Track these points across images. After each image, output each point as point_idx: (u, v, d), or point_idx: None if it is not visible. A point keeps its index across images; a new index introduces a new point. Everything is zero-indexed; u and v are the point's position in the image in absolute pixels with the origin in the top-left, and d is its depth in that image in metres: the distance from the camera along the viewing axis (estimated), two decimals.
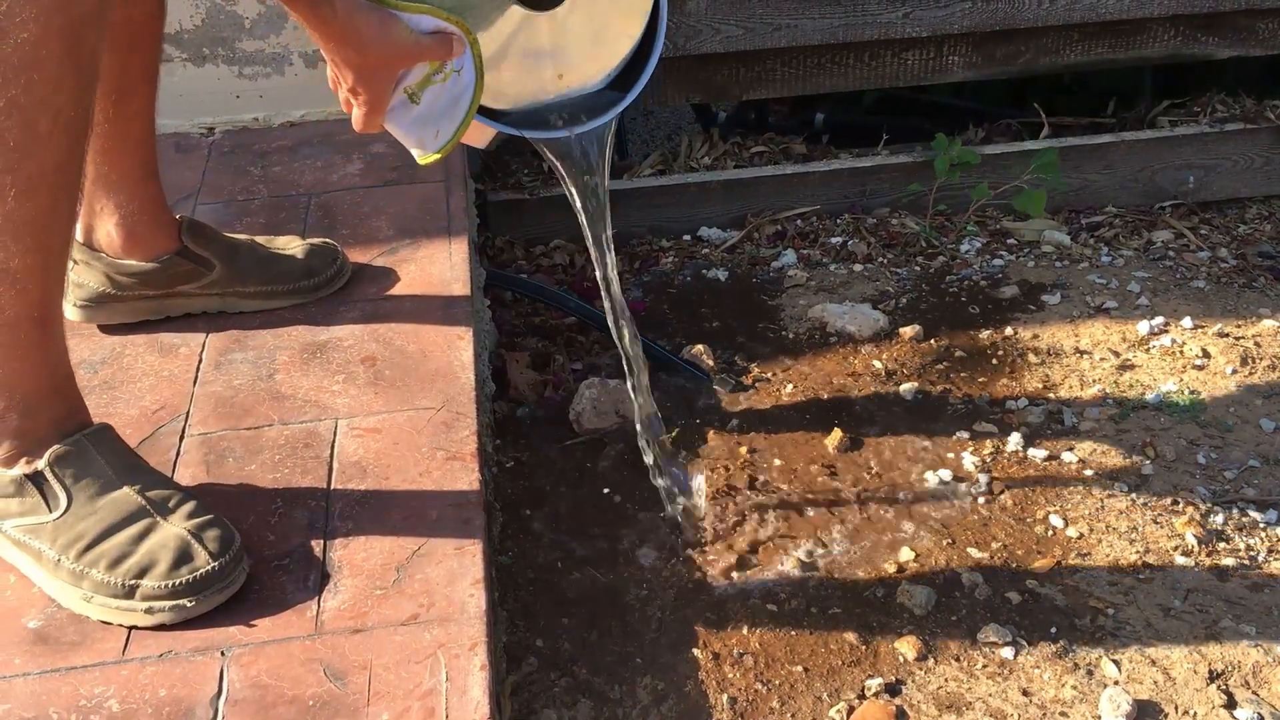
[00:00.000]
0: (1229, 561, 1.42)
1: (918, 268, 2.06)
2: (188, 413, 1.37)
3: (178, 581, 1.09)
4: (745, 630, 1.32)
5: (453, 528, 1.20)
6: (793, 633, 1.32)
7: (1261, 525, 1.48)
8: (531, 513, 1.50)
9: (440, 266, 1.62)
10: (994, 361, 1.80)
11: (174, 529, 1.11)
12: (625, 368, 1.40)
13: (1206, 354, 1.79)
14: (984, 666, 1.28)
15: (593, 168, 1.26)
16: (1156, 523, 1.48)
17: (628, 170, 2.31)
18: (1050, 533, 1.46)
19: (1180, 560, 1.42)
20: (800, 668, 1.28)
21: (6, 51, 0.96)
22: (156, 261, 1.46)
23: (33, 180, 1.01)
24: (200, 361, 1.45)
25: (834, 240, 2.15)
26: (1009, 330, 1.87)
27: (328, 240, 1.61)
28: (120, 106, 1.35)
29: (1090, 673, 1.27)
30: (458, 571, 1.15)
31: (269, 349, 1.47)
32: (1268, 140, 2.31)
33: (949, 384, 1.75)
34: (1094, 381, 1.74)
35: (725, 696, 1.24)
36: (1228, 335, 1.84)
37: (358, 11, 1.06)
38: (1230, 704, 1.23)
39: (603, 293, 1.36)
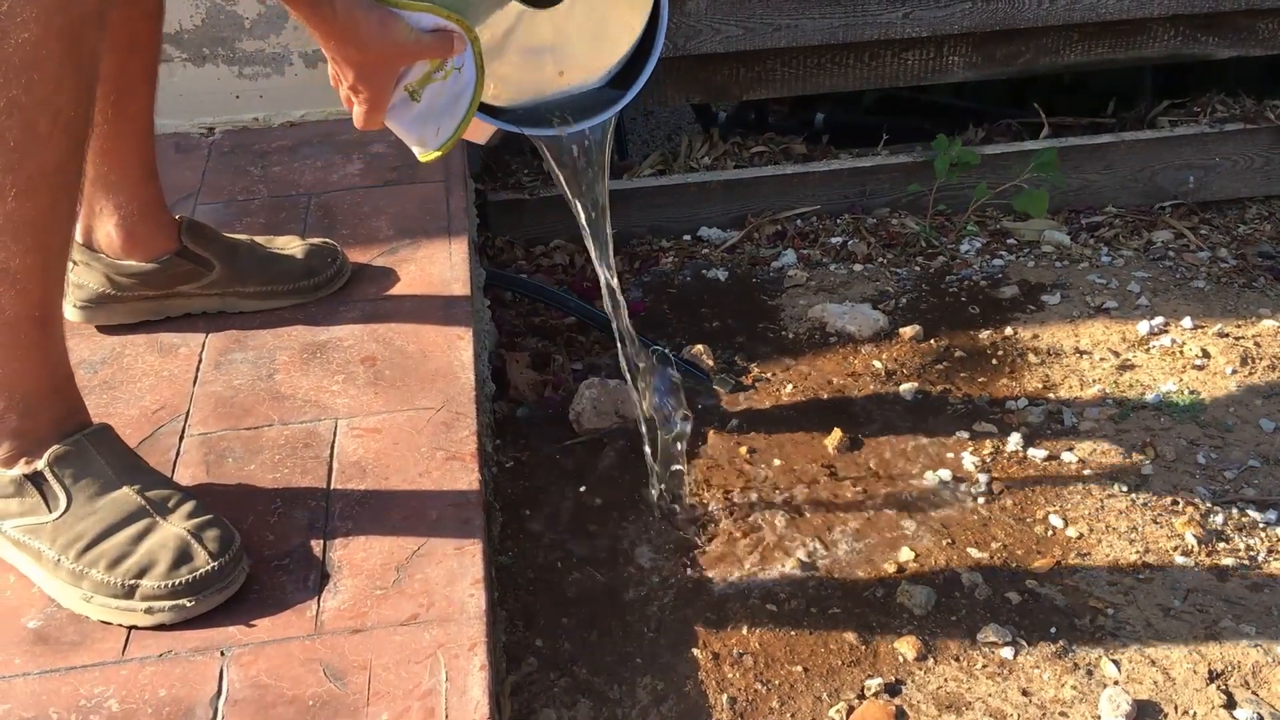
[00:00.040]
0: (1229, 561, 1.42)
1: (918, 268, 2.06)
2: (187, 413, 1.37)
3: (177, 581, 1.09)
4: (745, 630, 1.32)
5: (452, 528, 1.20)
6: (792, 633, 1.32)
7: (1261, 525, 1.48)
8: (531, 513, 1.50)
9: (440, 266, 1.62)
10: (994, 361, 1.80)
11: (174, 529, 1.12)
12: (624, 365, 1.40)
13: (1206, 354, 1.79)
14: (984, 666, 1.28)
15: (592, 166, 1.26)
16: (1156, 523, 1.48)
17: (628, 170, 2.31)
18: (1050, 533, 1.47)
19: (1180, 560, 1.42)
20: (800, 668, 1.28)
21: (7, 51, 0.96)
22: (156, 262, 1.46)
23: (33, 180, 1.02)
24: (200, 361, 1.45)
25: (834, 240, 2.15)
26: (1009, 330, 1.87)
27: (327, 240, 1.61)
28: (119, 107, 1.35)
29: (1090, 673, 1.27)
30: (457, 571, 1.15)
31: (269, 349, 1.47)
32: (1268, 140, 2.31)
33: (949, 384, 1.75)
34: (1094, 381, 1.74)
35: (725, 696, 1.24)
36: (1228, 335, 1.84)
37: (358, 9, 1.06)
38: (1230, 704, 1.23)
39: (602, 288, 1.36)
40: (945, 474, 1.56)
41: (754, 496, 1.52)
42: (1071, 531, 1.46)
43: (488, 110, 1.19)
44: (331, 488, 1.26)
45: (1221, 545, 1.45)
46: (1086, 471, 1.56)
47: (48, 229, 1.06)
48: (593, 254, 1.33)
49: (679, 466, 1.51)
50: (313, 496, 1.25)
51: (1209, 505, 1.50)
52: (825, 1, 2.12)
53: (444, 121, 1.16)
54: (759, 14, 2.12)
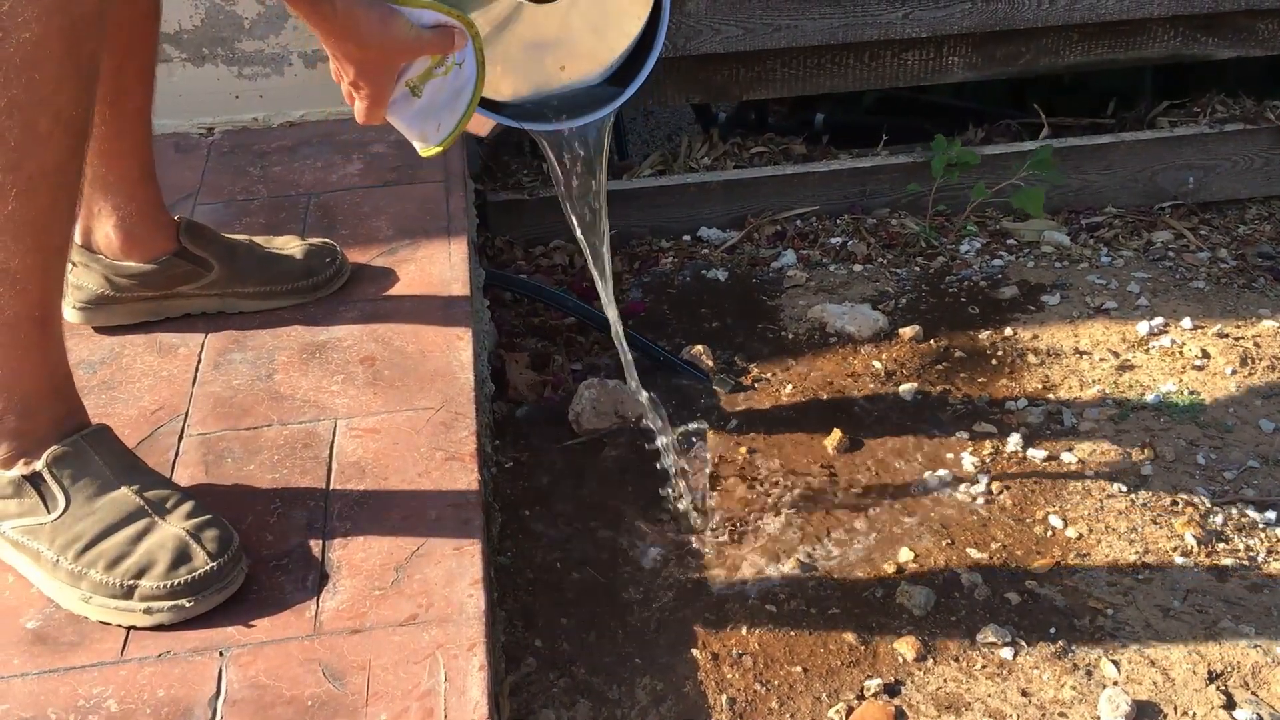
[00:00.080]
0: (1228, 562, 1.42)
1: (917, 268, 2.06)
2: (186, 413, 1.37)
3: (176, 582, 1.09)
4: (744, 630, 1.32)
5: (452, 528, 1.20)
6: (792, 633, 1.32)
7: (1261, 526, 1.48)
8: (531, 513, 1.50)
9: (440, 266, 1.62)
10: (993, 362, 1.80)
11: (172, 529, 1.11)
12: (623, 359, 1.40)
13: (1206, 354, 1.79)
14: (983, 667, 1.28)
15: (591, 163, 1.26)
16: (1156, 523, 1.48)
17: (628, 170, 2.31)
18: (1049, 533, 1.46)
19: (1179, 561, 1.42)
20: (799, 668, 1.27)
21: (8, 51, 0.96)
22: (155, 263, 1.46)
23: (33, 180, 1.02)
24: (199, 362, 1.45)
25: (834, 241, 2.15)
26: (1008, 331, 1.87)
27: (327, 240, 1.61)
28: (117, 107, 1.35)
29: (1089, 673, 1.27)
30: (456, 572, 1.15)
31: (268, 349, 1.47)
32: (1267, 141, 2.31)
33: (948, 384, 1.75)
34: (1093, 382, 1.74)
35: (724, 697, 1.24)
36: (1227, 336, 1.84)
37: (358, 6, 1.06)
38: (1229, 704, 1.23)
39: (598, 286, 1.36)
40: (945, 474, 1.56)
41: (753, 497, 1.52)
42: (1071, 532, 1.46)
43: (489, 105, 1.19)
44: (330, 488, 1.26)
45: (1221, 546, 1.45)
46: (1086, 472, 1.56)
47: (48, 229, 1.06)
48: (588, 259, 1.33)
49: (684, 466, 1.51)
50: (312, 497, 1.25)
51: (1208, 506, 1.50)
52: (825, 2, 2.12)
53: (445, 117, 1.17)
54: (759, 14, 2.12)
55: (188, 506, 1.14)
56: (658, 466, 1.48)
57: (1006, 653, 1.29)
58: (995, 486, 1.54)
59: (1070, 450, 1.60)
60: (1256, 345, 1.82)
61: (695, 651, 1.30)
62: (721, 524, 1.47)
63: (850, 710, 1.23)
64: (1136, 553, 1.43)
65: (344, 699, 1.02)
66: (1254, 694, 1.25)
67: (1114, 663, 1.28)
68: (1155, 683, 1.26)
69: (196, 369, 1.44)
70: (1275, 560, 1.43)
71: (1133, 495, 1.52)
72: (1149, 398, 1.70)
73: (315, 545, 1.19)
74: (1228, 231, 2.24)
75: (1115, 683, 1.26)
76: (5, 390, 1.09)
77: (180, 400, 1.39)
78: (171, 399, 1.39)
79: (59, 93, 1.00)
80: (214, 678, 1.05)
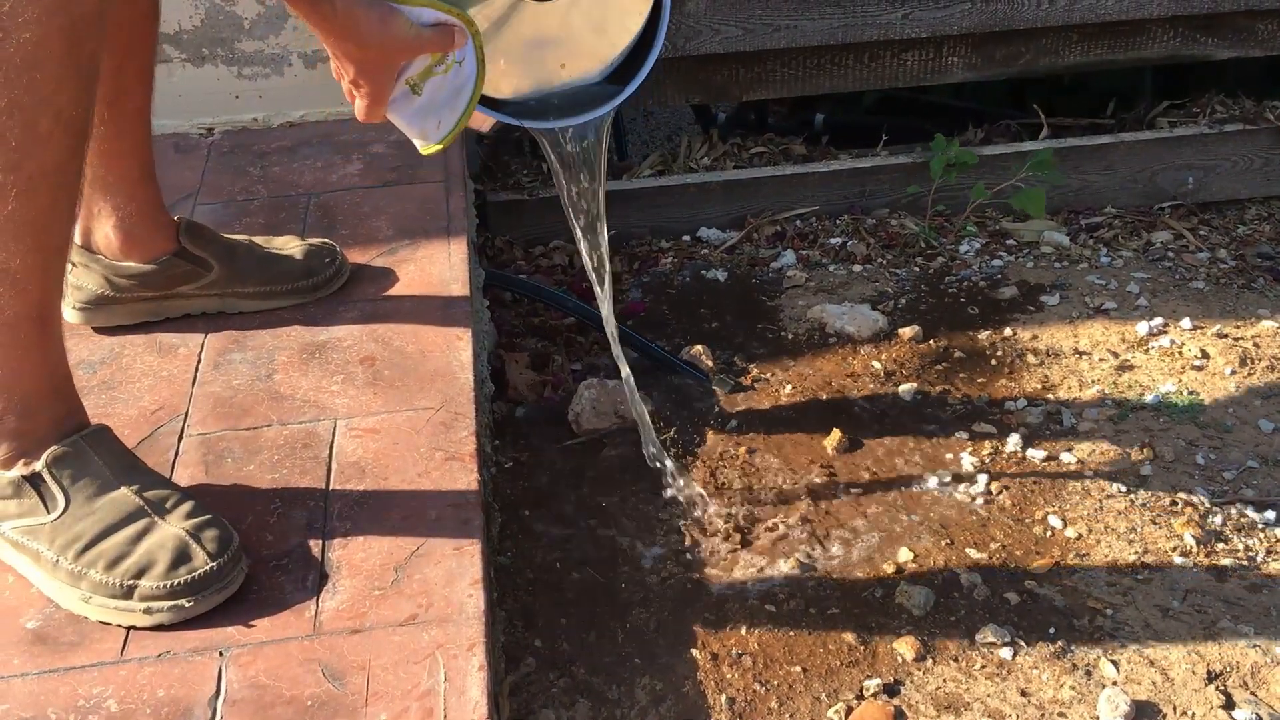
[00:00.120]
0: (1227, 562, 1.42)
1: (917, 268, 2.06)
2: (186, 413, 1.37)
3: (176, 582, 1.09)
4: (744, 631, 1.32)
5: (451, 528, 1.20)
6: (791, 633, 1.32)
7: (1260, 526, 1.48)
8: (530, 513, 1.50)
9: (439, 267, 1.62)
10: (993, 362, 1.80)
11: (172, 529, 1.11)
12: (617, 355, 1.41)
13: (1205, 355, 1.79)
14: (982, 667, 1.28)
15: (591, 160, 1.27)
16: (1155, 523, 1.48)
17: (627, 171, 2.31)
18: (1049, 533, 1.46)
19: (1179, 561, 1.42)
20: (799, 668, 1.28)
21: (9, 52, 0.96)
22: (155, 263, 1.46)
23: (34, 180, 1.02)
24: (199, 362, 1.45)
25: (833, 241, 2.15)
26: (1008, 331, 1.87)
27: (326, 240, 1.61)
28: (117, 108, 1.35)
29: (1089, 673, 1.27)
30: (456, 572, 1.15)
31: (268, 349, 1.47)
32: (1267, 141, 2.31)
33: (948, 385, 1.75)
34: (1093, 382, 1.74)
35: (724, 697, 1.24)
36: (1227, 336, 1.84)
37: (357, 6, 1.07)
38: (1229, 704, 1.23)
39: (594, 284, 1.37)
40: (944, 474, 1.56)
41: (753, 497, 1.52)
42: (1070, 532, 1.46)
43: (489, 103, 1.19)
44: (330, 488, 1.26)
45: (1220, 546, 1.45)
46: (1085, 472, 1.56)
47: (48, 229, 1.06)
48: (585, 259, 1.33)
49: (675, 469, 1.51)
50: (311, 497, 1.25)
51: (1208, 506, 1.50)
52: (825, 2, 2.12)
53: (445, 115, 1.17)
54: (758, 15, 2.12)
55: (187, 506, 1.14)
56: (654, 466, 1.49)
57: (1006, 653, 1.29)
58: (995, 486, 1.54)
59: (1070, 450, 1.60)
60: (1256, 345, 1.82)
61: (695, 651, 1.30)
62: (721, 524, 1.47)
63: (850, 710, 1.23)
64: (1136, 553, 1.43)
65: (344, 699, 1.03)
66: (1253, 694, 1.25)
67: (1113, 663, 1.28)
68: (1154, 683, 1.26)
69: (196, 369, 1.44)
70: (1274, 560, 1.43)
71: (1132, 495, 1.52)
72: (1148, 398, 1.71)
73: (315, 545, 1.19)
74: (1227, 232, 2.24)
75: (1114, 683, 1.26)
76: (5, 390, 1.09)
77: (180, 400, 1.39)
78: (171, 399, 1.39)
79: (59, 93, 1.00)
80: (214, 678, 1.05)
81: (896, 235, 2.16)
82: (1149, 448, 1.60)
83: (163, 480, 1.19)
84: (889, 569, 1.41)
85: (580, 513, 1.51)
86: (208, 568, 1.10)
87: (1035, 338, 1.85)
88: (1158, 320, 1.87)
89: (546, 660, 1.29)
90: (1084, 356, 1.80)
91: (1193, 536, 1.45)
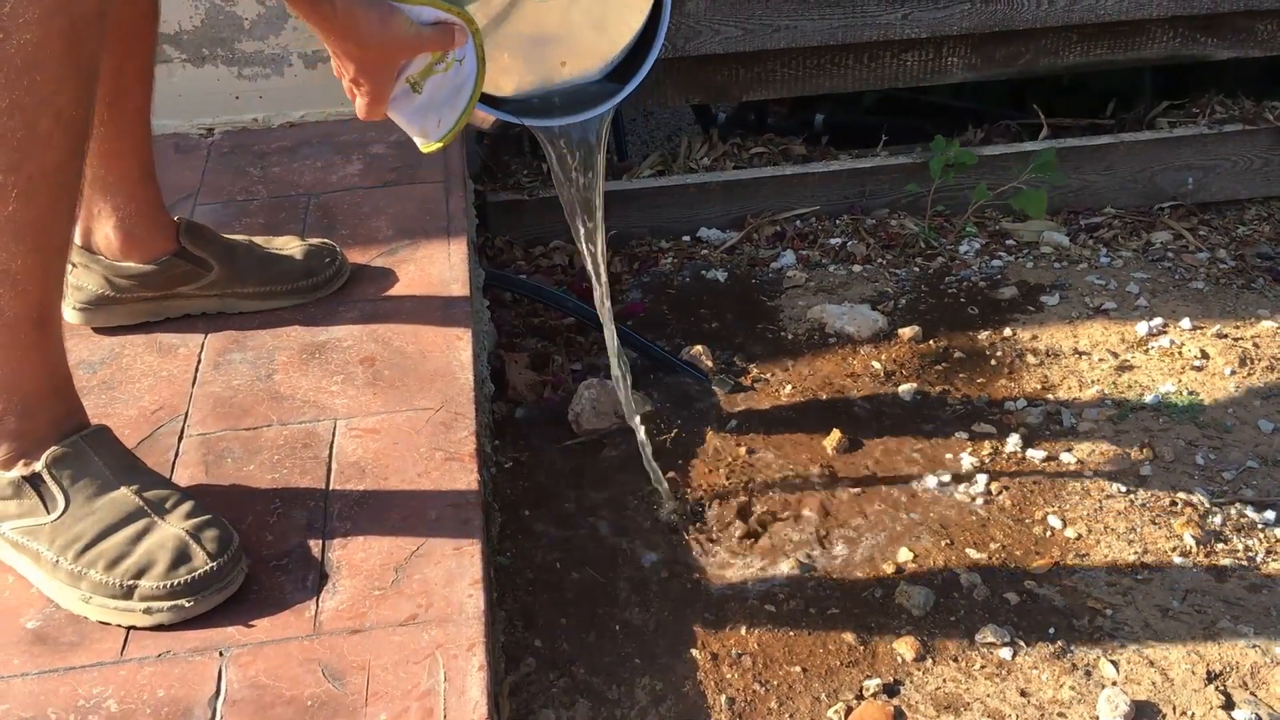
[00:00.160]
0: (1227, 562, 1.42)
1: (917, 269, 2.06)
2: (186, 413, 1.37)
3: (176, 582, 1.09)
4: (743, 631, 1.32)
5: (451, 528, 1.20)
6: (791, 633, 1.32)
7: (1260, 526, 1.48)
8: (530, 513, 1.51)
9: (439, 267, 1.62)
10: (993, 362, 1.80)
11: (172, 529, 1.12)
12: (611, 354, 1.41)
13: (1205, 355, 1.80)
14: (982, 667, 1.28)
15: (590, 159, 1.27)
16: (1155, 523, 1.48)
17: (627, 171, 2.31)
18: (1049, 533, 1.47)
19: (1178, 561, 1.42)
20: (798, 668, 1.28)
21: (9, 52, 0.96)
22: (155, 263, 1.46)
23: (34, 181, 1.02)
24: (199, 362, 1.45)
25: (833, 241, 2.15)
26: (1008, 331, 1.87)
27: (326, 240, 1.61)
28: (117, 108, 1.35)
29: (1088, 673, 1.27)
30: (456, 572, 1.15)
31: (268, 349, 1.47)
32: (1266, 141, 2.32)
33: (948, 385, 1.75)
34: (1093, 382, 1.74)
35: (723, 697, 1.24)
36: (1226, 336, 1.85)
37: (357, 6, 1.07)
38: (1228, 705, 1.23)
39: (594, 284, 1.37)
40: (944, 475, 1.56)
41: (753, 497, 1.52)
42: (1070, 532, 1.46)
43: (489, 101, 1.20)
44: (330, 488, 1.26)
45: (1220, 546, 1.45)
46: (1085, 472, 1.56)
47: (48, 230, 1.06)
48: (585, 258, 1.33)
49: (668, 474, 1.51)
50: (311, 497, 1.25)
51: (1207, 506, 1.51)
52: (825, 2, 2.13)
53: (445, 113, 1.17)
54: (758, 15, 2.12)
55: (187, 506, 1.14)
56: (650, 469, 1.49)
57: (1005, 653, 1.29)
58: (994, 487, 1.54)
59: (1069, 450, 1.60)
60: (1255, 346, 1.82)
61: (695, 651, 1.30)
62: (721, 524, 1.48)
63: (849, 710, 1.23)
64: (1135, 553, 1.43)
65: (344, 699, 1.03)
66: (1253, 694, 1.25)
67: (1113, 663, 1.28)
68: (1154, 683, 1.26)
69: (196, 369, 1.44)
70: (1274, 560, 1.43)
71: (1132, 495, 1.52)
72: (1148, 398, 1.71)
73: (315, 545, 1.19)
74: (1227, 232, 2.24)
75: (1114, 683, 1.26)
76: (5, 391, 1.09)
77: (180, 400, 1.39)
78: (171, 399, 1.39)
79: (60, 93, 1.00)
80: (214, 678, 1.05)
81: (896, 235, 2.16)
82: (1149, 448, 1.60)
83: (163, 480, 1.19)
84: (889, 569, 1.41)
85: (580, 513, 1.51)
86: (208, 568, 1.10)
87: (1035, 338, 1.85)
88: (1157, 320, 1.87)
89: (546, 660, 1.29)
90: (1084, 357, 1.80)
91: (1192, 537, 1.45)
